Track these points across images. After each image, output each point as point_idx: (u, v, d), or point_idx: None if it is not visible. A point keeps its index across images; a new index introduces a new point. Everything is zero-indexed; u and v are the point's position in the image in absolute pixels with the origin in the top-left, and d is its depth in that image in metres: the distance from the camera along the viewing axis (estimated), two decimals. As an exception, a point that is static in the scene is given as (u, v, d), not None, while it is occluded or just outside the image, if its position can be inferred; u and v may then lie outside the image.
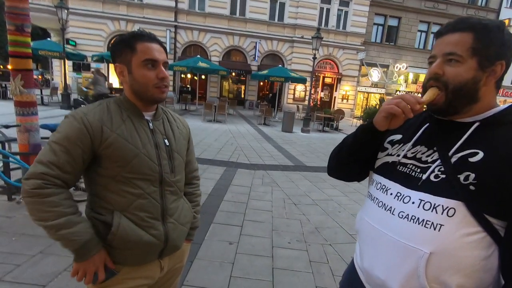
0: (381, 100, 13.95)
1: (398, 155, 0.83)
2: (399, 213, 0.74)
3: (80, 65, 15.08)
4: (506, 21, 19.65)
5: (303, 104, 18.05)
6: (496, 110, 0.74)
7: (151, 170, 0.97)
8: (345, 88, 19.72)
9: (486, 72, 0.72)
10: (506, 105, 0.75)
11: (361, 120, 12.01)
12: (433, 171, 0.72)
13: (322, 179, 5.26)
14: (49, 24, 16.60)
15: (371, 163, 0.91)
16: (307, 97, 16.03)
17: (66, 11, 11.39)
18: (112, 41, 0.98)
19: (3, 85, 12.84)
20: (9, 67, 3.42)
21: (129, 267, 0.99)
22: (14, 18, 3.09)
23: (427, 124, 0.83)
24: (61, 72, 12.33)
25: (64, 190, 0.89)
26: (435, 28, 20.38)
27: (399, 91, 20.66)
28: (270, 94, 16.38)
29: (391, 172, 0.82)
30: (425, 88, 0.79)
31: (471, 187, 0.66)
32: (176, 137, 1.09)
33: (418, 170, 0.76)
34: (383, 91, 19.88)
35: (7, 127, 3.25)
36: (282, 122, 11.77)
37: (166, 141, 1.04)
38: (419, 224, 0.70)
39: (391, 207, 0.77)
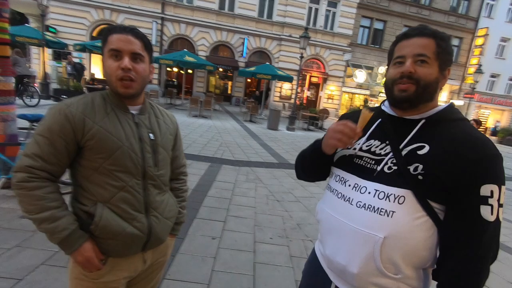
0: (365, 101, 14.33)
1: (355, 149, 0.90)
2: (356, 203, 0.82)
3: (60, 53, 14.50)
4: (485, 30, 20.56)
5: (289, 103, 18.21)
6: (438, 109, 0.84)
7: (133, 163, 0.98)
8: (331, 88, 20.04)
9: (442, 75, 0.83)
10: (445, 105, 0.86)
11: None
12: (386, 163, 0.81)
13: (305, 177, 5.35)
14: (28, 9, 15.83)
15: (331, 160, 0.99)
16: (293, 96, 16.19)
17: (46, -4, 10.90)
18: None
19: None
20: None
21: (113, 258, 1.00)
22: (-9, 2, 2.96)
23: (380, 120, 0.91)
24: (40, 60, 11.81)
25: (50, 184, 0.91)
26: (418, 33, 21.03)
27: (382, 92, 21.22)
28: (257, 92, 16.39)
29: (349, 164, 0.90)
30: (388, 88, 0.86)
31: (419, 177, 0.75)
32: (162, 131, 1.09)
33: (373, 162, 0.84)
34: (367, 92, 20.36)
35: (-19, 116, 3.11)
36: (268, 119, 11.84)
37: (151, 135, 1.04)
38: (374, 212, 0.78)
39: (349, 197, 0.84)
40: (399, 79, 0.82)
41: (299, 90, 16.34)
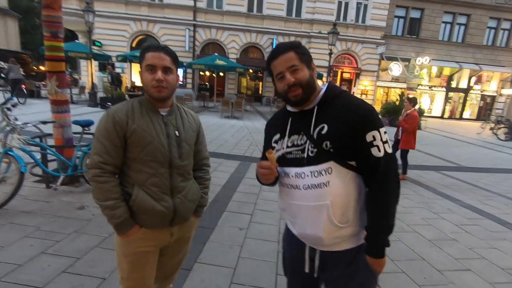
0: (401, 95, 13.64)
1: (283, 148, 1.12)
2: (303, 186, 1.05)
3: (104, 65, 15.90)
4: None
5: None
6: (321, 93, 1.08)
7: (162, 155, 1.22)
8: (364, 83, 19.40)
9: (310, 70, 1.07)
10: (324, 86, 1.11)
11: (380, 116, 11.89)
12: (308, 149, 1.04)
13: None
14: (77, 27, 17.56)
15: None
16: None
17: (92, 14, 12.07)
18: None
19: (37, 85, 13.84)
20: (43, 68, 3.80)
21: (145, 229, 1.26)
22: (50, 26, 3.47)
23: (290, 119, 1.14)
24: (88, 72, 13.09)
25: (115, 179, 1.21)
26: (460, 19, 19.51)
27: (421, 85, 20.01)
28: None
29: (285, 161, 1.11)
30: (284, 96, 1.09)
31: (331, 150, 1.00)
32: (185, 129, 1.33)
33: (300, 152, 1.07)
34: (404, 85, 19.37)
35: (44, 123, 3.65)
36: (298, 118, 11.82)
37: (176, 132, 1.28)
38: (317, 188, 1.02)
39: (296, 184, 1.07)
40: (288, 89, 1.05)
41: (330, 87, 16.09)
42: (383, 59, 18.90)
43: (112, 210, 1.17)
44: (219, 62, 13.73)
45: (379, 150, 0.98)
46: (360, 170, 1.02)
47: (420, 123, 12.11)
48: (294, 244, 1.20)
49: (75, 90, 15.12)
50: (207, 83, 19.69)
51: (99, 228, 2.73)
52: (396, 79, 19.35)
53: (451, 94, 21.33)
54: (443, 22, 19.41)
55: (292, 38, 18.25)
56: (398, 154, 5.26)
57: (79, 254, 2.34)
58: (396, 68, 18.66)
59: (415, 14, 19.14)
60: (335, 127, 1.00)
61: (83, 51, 12.68)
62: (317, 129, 1.04)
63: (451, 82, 21.03)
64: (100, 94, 12.91)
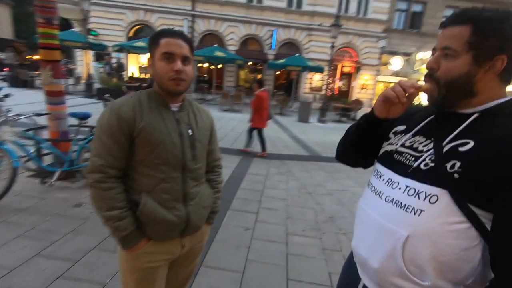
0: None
1: (397, 144, 0.85)
2: (386, 197, 0.78)
3: (101, 55, 15.51)
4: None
5: (320, 94, 17.77)
6: (496, 102, 0.73)
7: (174, 157, 1.06)
8: (364, 77, 19.19)
9: (484, 67, 0.70)
10: (508, 98, 0.73)
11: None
12: (424, 160, 0.74)
13: (337, 170, 5.26)
14: (72, 15, 17.04)
15: (376, 152, 0.93)
16: (324, 87, 15.79)
17: (87, 1, 11.68)
18: None
19: (31, 75, 13.47)
20: (37, 57, 3.60)
21: (154, 242, 1.10)
22: (43, 11, 3.25)
23: (432, 116, 0.84)
24: (84, 62, 12.75)
25: (119, 184, 1.04)
26: (463, 14, 19.29)
27: (421, 80, 19.90)
28: (286, 83, 16.23)
29: (388, 159, 0.85)
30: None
31: (455, 175, 0.66)
32: (199, 127, 1.16)
33: (412, 158, 0.78)
34: (405, 80, 19.22)
35: (39, 115, 3.46)
36: (298, 112, 11.70)
37: (189, 130, 1.12)
38: (401, 208, 0.73)
39: (380, 191, 0.81)
40: (425, 76, 0.77)
41: (330, 80, 15.87)
42: (384, 53, 18.68)
43: (116, 222, 1.01)
44: (219, 53, 13.44)
45: None
46: (490, 232, 0.65)
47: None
48: (351, 270, 0.93)
49: (71, 81, 14.77)
50: (205, 75, 19.37)
51: (98, 227, 2.58)
52: (396, 74, 19.18)
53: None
54: (444, 16, 19.18)
55: (293, 31, 17.95)
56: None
57: (76, 256, 2.19)
58: (396, 63, 18.47)
59: (417, 7, 18.86)
60: (485, 151, 0.65)
61: (79, 40, 12.30)
62: (456, 142, 0.71)
63: (451, 77, 20.98)
64: (97, 85, 12.61)
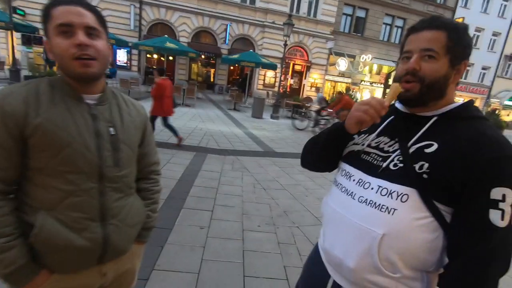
0: (347, 89, 14.53)
1: (363, 144, 0.88)
2: (359, 198, 0.79)
3: (30, 38, 13.60)
4: (461, 19, 21.17)
5: (273, 91, 18.15)
6: (452, 106, 0.80)
7: (87, 163, 0.84)
8: (314, 76, 20.13)
9: (454, 70, 0.78)
10: (462, 102, 0.81)
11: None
12: (392, 160, 0.78)
13: (290, 165, 5.43)
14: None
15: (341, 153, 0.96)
16: (277, 84, 16.15)
17: (12, -25, 10.10)
18: None
19: None
20: None
21: (60, 274, 0.86)
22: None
23: (392, 117, 0.89)
24: (8, 45, 11.04)
25: (5, 203, 0.80)
26: (398, 22, 21.31)
27: (364, 81, 21.58)
28: (240, 79, 16.22)
29: (355, 160, 0.87)
30: (398, 81, 0.82)
31: (424, 176, 0.71)
32: (125, 125, 0.94)
33: (380, 159, 0.81)
34: (349, 80, 20.64)
35: None
36: (252, 108, 11.79)
37: (111, 129, 0.90)
38: (375, 208, 0.75)
39: (352, 192, 0.82)
40: (403, 76, 0.79)
41: (282, 78, 16.30)
42: (331, 54, 19.78)
43: (1, 254, 0.76)
44: (170, 45, 12.79)
45: (502, 218, 0.65)
46: (451, 225, 0.72)
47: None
48: (316, 270, 0.93)
49: (-9, 66, 12.70)
50: (155, 67, 18.33)
51: None
52: (342, 74, 20.49)
53: (387, 90, 23.44)
54: (384, 23, 20.97)
55: (246, 26, 17.95)
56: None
57: None
58: (342, 64, 19.74)
59: (360, 13, 20.31)
60: (449, 154, 0.70)
61: (1, 19, 10.61)
62: (421, 144, 0.76)
63: (389, 79, 23.11)
64: (25, 72, 11.03)
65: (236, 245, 2.60)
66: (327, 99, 15.01)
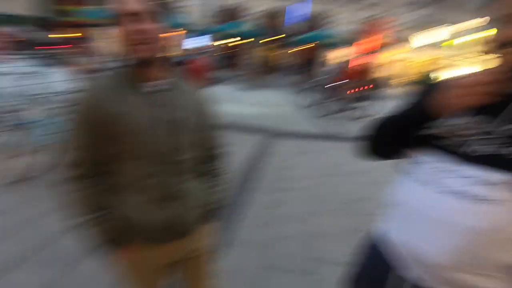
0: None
1: (445, 126, 0.73)
2: (447, 189, 0.68)
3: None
4: None
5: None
6: None
7: (150, 148, 0.89)
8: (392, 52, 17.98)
9: None
10: None
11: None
12: (491, 144, 0.64)
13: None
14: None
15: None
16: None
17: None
18: None
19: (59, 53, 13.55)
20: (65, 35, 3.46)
21: (140, 247, 0.97)
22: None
23: None
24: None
25: (92, 183, 0.92)
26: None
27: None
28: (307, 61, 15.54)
29: (439, 144, 0.73)
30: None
31: None
32: (185, 110, 0.95)
33: (476, 143, 0.67)
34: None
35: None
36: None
37: (171, 115, 0.91)
38: (471, 199, 0.64)
39: (437, 182, 0.70)
40: (501, 46, 0.63)
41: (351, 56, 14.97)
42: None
43: (103, 223, 0.92)
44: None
45: None
46: None
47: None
48: (375, 262, 0.85)
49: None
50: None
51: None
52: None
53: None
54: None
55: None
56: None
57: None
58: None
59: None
60: None
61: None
62: None
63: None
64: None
65: (302, 227, 2.65)
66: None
